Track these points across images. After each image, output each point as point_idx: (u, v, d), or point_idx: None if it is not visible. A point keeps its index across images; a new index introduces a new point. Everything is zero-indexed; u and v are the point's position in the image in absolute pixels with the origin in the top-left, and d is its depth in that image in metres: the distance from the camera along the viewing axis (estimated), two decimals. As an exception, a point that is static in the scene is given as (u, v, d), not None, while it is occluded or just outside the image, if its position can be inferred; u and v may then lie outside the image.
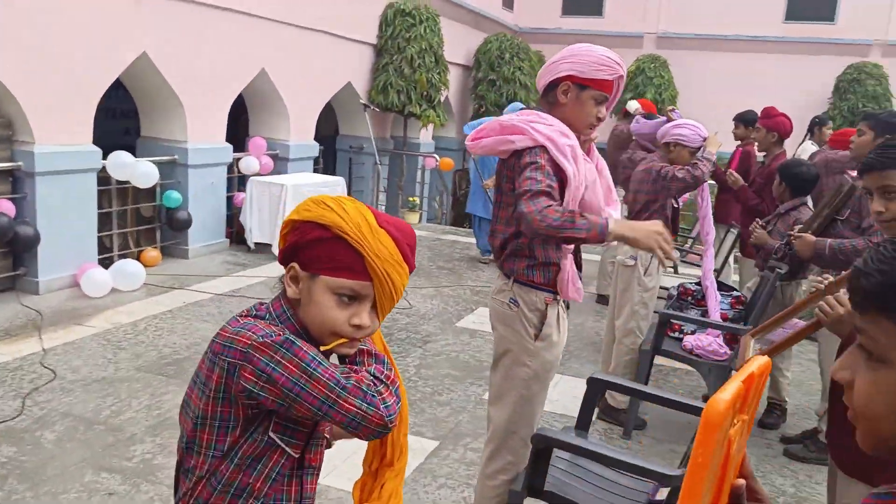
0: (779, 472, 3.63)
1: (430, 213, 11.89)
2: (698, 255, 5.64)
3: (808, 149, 7.29)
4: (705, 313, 4.09)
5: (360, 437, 1.28)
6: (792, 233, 3.61)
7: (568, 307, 2.50)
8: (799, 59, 13.91)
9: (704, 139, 3.86)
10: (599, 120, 2.37)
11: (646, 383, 3.80)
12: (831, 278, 2.22)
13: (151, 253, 6.65)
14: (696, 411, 2.52)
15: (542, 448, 2.20)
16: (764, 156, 4.97)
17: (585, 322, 5.93)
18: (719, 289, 4.14)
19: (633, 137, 5.28)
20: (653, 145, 5.09)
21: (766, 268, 3.88)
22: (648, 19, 15.12)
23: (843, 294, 1.90)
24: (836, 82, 13.30)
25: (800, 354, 5.15)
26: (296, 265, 1.31)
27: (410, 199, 10.06)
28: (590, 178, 2.36)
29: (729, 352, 3.84)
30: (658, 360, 4.15)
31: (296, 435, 1.32)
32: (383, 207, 11.01)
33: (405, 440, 1.57)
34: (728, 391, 0.73)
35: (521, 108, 6.78)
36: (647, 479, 2.27)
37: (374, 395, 1.22)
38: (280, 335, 1.22)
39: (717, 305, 4.08)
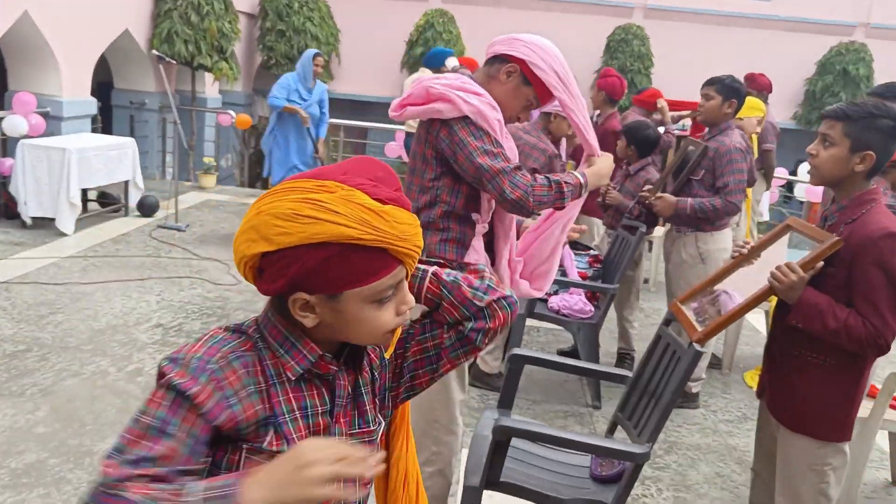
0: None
1: (222, 174, 11.07)
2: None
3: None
4: (563, 274, 4.17)
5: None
6: (648, 193, 3.78)
7: None
8: (570, 18, 14.74)
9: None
10: (520, 120, 2.27)
11: (519, 345, 3.82)
12: (752, 242, 2.31)
13: None
14: (623, 379, 2.54)
15: (502, 439, 2.07)
16: (597, 114, 5.16)
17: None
18: (574, 248, 4.25)
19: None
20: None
21: (623, 227, 4.04)
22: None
23: (793, 262, 1.96)
24: (606, 42, 14.30)
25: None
26: (303, 294, 1.02)
27: (205, 159, 9.25)
28: (512, 157, 2.23)
29: (593, 309, 3.97)
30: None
31: None
32: (171, 171, 10.06)
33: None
34: None
35: (449, 57, 6.33)
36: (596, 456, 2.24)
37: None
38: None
39: (572, 264, 4.19)
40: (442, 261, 2.13)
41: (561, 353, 4.51)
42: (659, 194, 3.67)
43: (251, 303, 5.00)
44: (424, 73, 6.38)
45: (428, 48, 13.55)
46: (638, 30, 14.30)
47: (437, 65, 6.43)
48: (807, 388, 2.08)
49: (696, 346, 1.99)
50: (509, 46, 2.15)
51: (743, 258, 2.29)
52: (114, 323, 4.42)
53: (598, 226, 5.02)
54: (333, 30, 13.28)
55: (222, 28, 9.11)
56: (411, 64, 13.71)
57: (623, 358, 4.36)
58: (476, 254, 2.24)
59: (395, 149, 9.58)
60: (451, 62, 6.21)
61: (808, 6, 14.55)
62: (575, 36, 14.24)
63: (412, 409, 2.30)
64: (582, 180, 2.14)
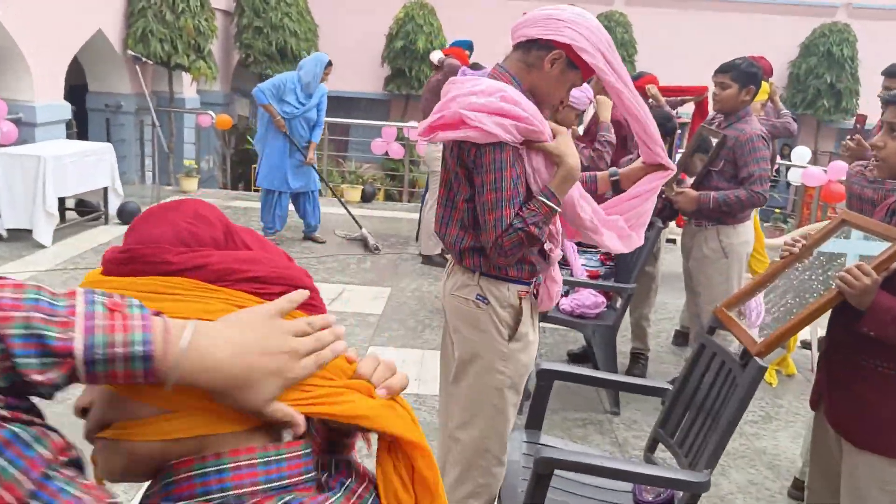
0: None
1: (204, 177, 10.76)
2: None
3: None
4: (569, 273, 3.97)
5: None
6: (667, 188, 3.58)
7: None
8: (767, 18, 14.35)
9: (591, 101, 3.69)
10: (562, 104, 2.04)
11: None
12: (802, 241, 2.12)
13: None
14: (662, 393, 2.34)
15: (545, 471, 1.86)
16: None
17: (421, 286, 5.64)
18: (583, 246, 4.05)
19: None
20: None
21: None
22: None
23: (864, 264, 1.76)
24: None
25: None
26: None
27: (186, 162, 8.95)
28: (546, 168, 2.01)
29: (605, 301, 3.79)
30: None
31: None
32: (150, 175, 9.76)
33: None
34: None
35: (434, 51, 6.00)
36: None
37: None
38: None
39: (577, 261, 3.99)
40: (498, 276, 1.97)
41: (571, 355, 4.32)
42: (679, 189, 3.47)
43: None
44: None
45: (409, 41, 13.32)
46: (621, 17, 14.13)
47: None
48: (876, 400, 1.88)
49: (759, 361, 1.79)
50: (551, 29, 1.89)
51: (794, 258, 2.10)
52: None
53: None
54: (311, 25, 12.97)
55: (199, 26, 8.80)
56: (392, 57, 13.46)
57: (637, 358, 4.17)
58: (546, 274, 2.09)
59: (381, 145, 9.33)
60: (436, 55, 5.97)
61: (791, -12, 14.44)
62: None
63: (461, 436, 2.09)
64: (549, 203, 1.91)
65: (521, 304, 2.02)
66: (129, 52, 6.59)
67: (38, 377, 0.56)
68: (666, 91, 5.48)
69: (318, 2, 13.28)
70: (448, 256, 6.74)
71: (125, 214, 6.87)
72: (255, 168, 11.67)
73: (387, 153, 9.41)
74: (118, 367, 0.58)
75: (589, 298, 3.79)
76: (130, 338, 0.58)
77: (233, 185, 10.43)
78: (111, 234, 6.56)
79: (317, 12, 13.21)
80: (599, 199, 2.15)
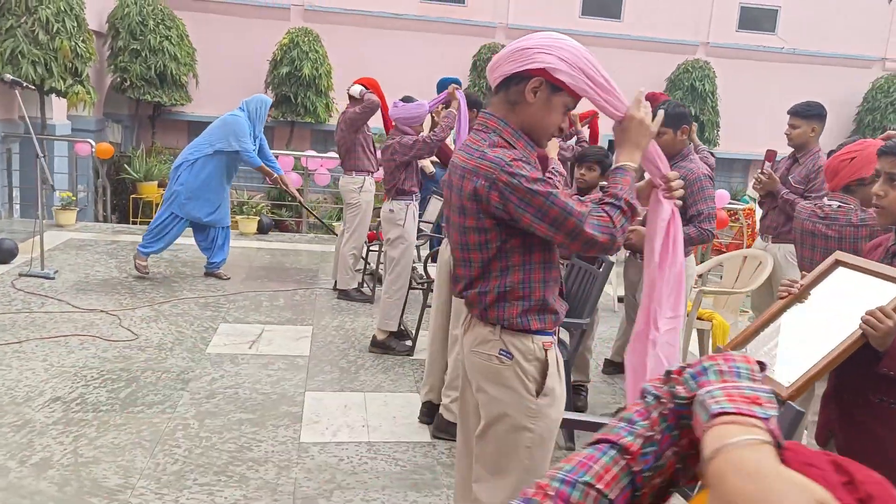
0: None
1: (84, 210, 9.96)
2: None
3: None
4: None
5: None
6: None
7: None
8: (435, 37, 14.72)
9: None
10: (561, 132, 1.98)
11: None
12: (801, 282, 2.18)
13: None
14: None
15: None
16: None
17: (344, 323, 5.44)
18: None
19: (394, 123, 4.88)
20: (412, 129, 4.80)
21: (581, 257, 3.88)
22: None
23: (886, 307, 1.83)
24: (472, 61, 14.41)
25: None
26: None
27: (62, 194, 8.23)
28: None
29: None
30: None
31: None
32: (19, 207, 8.92)
33: None
34: None
35: (353, 85, 5.88)
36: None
37: None
38: None
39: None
40: (521, 330, 1.86)
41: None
42: (632, 227, 3.53)
43: (159, 360, 4.38)
44: None
45: (295, 67, 13.03)
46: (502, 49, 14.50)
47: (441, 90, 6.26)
48: (885, 437, 1.95)
49: (794, 406, 1.80)
50: (523, 61, 1.83)
51: (793, 298, 2.16)
52: (-3, 401, 3.69)
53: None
54: (190, 49, 12.44)
55: (76, 48, 8.17)
56: (277, 84, 13.12)
57: (578, 391, 4.19)
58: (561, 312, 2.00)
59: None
60: (355, 89, 5.84)
61: (655, 27, 15.44)
62: (441, 56, 14.26)
63: (487, 500, 1.94)
64: (628, 177, 1.89)
65: (546, 355, 1.95)
66: (8, 76, 5.98)
67: None
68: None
69: (197, 26, 12.77)
70: (365, 291, 6.67)
71: (0, 253, 6.21)
72: (133, 199, 10.97)
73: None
74: None
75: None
76: None
77: (119, 219, 9.72)
78: (-14, 276, 5.90)
79: (196, 36, 12.68)
80: None
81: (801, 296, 2.16)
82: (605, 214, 1.81)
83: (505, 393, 1.93)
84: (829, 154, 3.27)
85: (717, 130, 14.99)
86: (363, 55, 14.06)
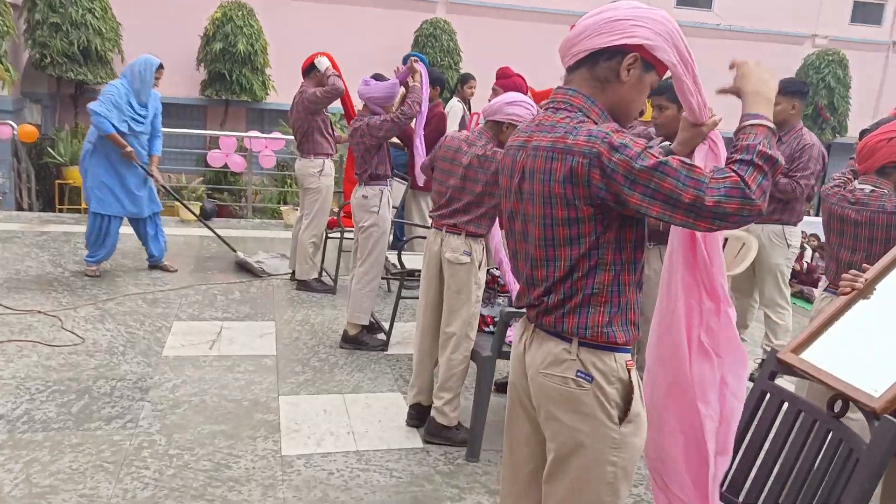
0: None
1: (5, 197, 9.21)
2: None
3: (455, 106, 7.38)
4: (510, 300, 3.72)
5: None
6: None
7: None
8: (377, 12, 14.23)
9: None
10: (641, 115, 1.75)
11: (489, 389, 3.30)
12: (865, 276, 2.01)
13: None
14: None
15: None
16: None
17: (308, 317, 5.10)
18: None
19: (363, 102, 4.52)
20: (383, 109, 4.46)
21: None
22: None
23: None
24: (414, 36, 14.01)
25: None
26: None
27: (-20, 182, 7.55)
28: None
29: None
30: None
31: None
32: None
33: None
34: None
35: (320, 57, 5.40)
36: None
37: None
38: None
39: (515, 283, 3.75)
40: (604, 345, 1.61)
41: (498, 385, 4.03)
42: None
43: (111, 367, 3.97)
44: None
45: (229, 43, 12.36)
46: (445, 24, 14.16)
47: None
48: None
49: (890, 419, 1.62)
50: (618, 33, 1.61)
51: (858, 293, 1.98)
52: (-71, 424, 3.24)
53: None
54: (115, 23, 11.65)
55: (-9, 21, 7.47)
56: (210, 60, 12.45)
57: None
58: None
59: (219, 157, 8.51)
60: (322, 62, 5.44)
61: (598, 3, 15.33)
62: (382, 32, 13.81)
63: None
64: (766, 128, 1.57)
65: (630, 376, 1.69)
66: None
67: None
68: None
69: (121, -2, 11.95)
70: (326, 281, 6.32)
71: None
72: (59, 185, 10.24)
73: (226, 165, 8.60)
74: None
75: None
76: None
77: (42, 206, 9.02)
78: None
79: (119, 10, 11.87)
80: None
81: (866, 290, 1.99)
82: (732, 174, 1.47)
83: (583, 421, 1.66)
84: (862, 134, 3.13)
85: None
86: (300, 30, 13.47)
